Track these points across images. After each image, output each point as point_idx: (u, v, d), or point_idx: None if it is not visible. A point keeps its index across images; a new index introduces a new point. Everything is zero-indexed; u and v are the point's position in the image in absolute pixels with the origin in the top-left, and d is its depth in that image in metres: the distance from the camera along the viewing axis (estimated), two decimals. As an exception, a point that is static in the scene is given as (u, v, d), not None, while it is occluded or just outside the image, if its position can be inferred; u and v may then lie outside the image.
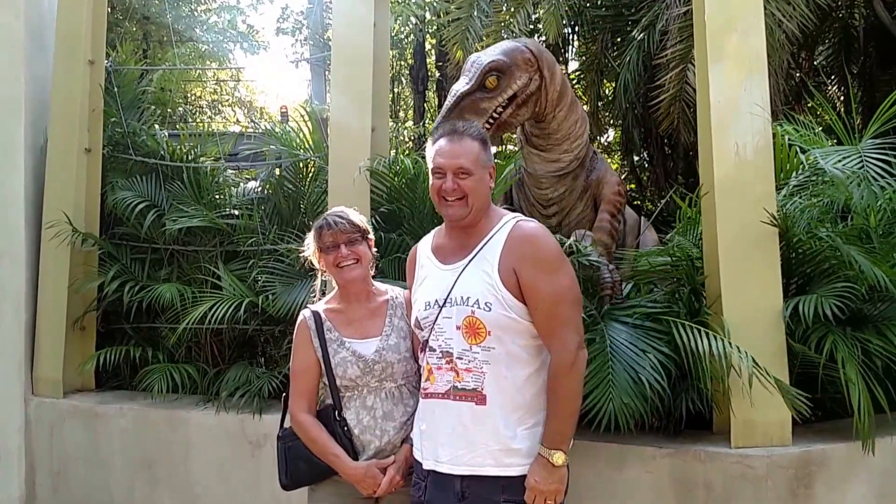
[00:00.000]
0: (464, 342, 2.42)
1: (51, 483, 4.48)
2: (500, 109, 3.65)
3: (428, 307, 2.53)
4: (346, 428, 2.67)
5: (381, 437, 2.66)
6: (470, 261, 2.48)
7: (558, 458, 2.36)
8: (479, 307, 2.40)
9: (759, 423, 3.21)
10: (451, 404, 2.43)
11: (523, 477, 2.39)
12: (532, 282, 2.38)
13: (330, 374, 2.70)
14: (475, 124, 2.65)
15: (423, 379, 2.56)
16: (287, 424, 2.84)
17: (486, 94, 3.61)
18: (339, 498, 2.70)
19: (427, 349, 2.52)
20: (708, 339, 3.09)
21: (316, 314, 2.77)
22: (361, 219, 2.83)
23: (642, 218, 4.43)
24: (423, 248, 2.71)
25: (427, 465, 2.50)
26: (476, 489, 2.40)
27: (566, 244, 3.33)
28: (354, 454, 2.65)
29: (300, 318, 2.81)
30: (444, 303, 2.47)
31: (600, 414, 3.02)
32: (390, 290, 2.88)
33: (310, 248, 2.82)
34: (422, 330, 2.56)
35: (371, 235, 2.85)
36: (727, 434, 3.25)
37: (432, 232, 2.77)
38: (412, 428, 2.68)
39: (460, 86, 3.65)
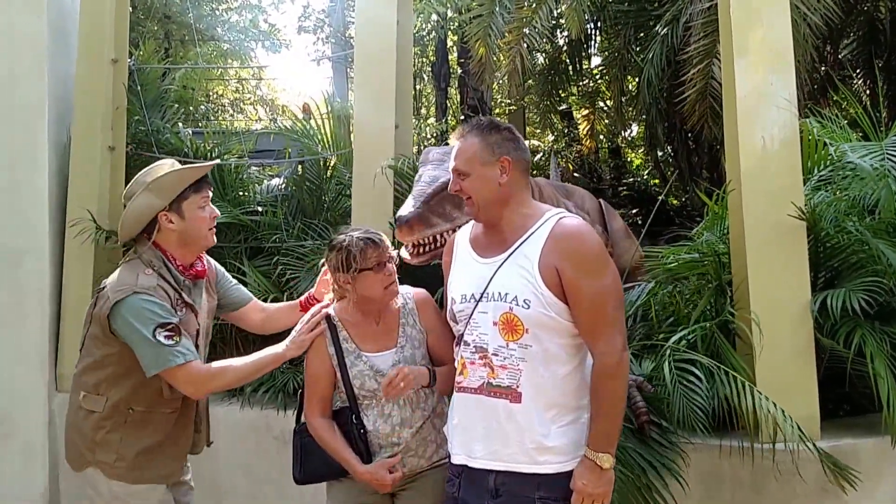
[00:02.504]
0: (500, 338, 2.41)
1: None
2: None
3: (464, 300, 2.51)
4: (362, 431, 2.69)
5: (397, 443, 2.69)
6: (508, 256, 2.45)
7: (606, 460, 2.35)
8: (517, 304, 2.38)
9: (787, 417, 3.19)
10: (485, 400, 2.43)
11: (558, 475, 2.38)
12: (575, 281, 2.35)
13: (347, 382, 2.72)
14: (488, 119, 2.60)
15: (456, 373, 2.55)
16: (304, 419, 2.87)
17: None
18: (358, 492, 2.74)
19: (461, 343, 2.52)
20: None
21: (329, 320, 2.78)
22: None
23: (602, 202, 4.28)
24: (461, 237, 2.68)
25: (459, 460, 2.50)
26: (510, 486, 2.40)
27: None
28: (369, 457, 2.68)
29: (319, 325, 2.80)
30: (481, 297, 2.45)
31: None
32: (400, 297, 2.84)
33: (344, 266, 2.69)
34: (456, 323, 2.55)
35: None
36: (754, 429, 3.24)
37: (471, 223, 2.71)
38: (426, 431, 2.73)
39: (439, 173, 3.25)
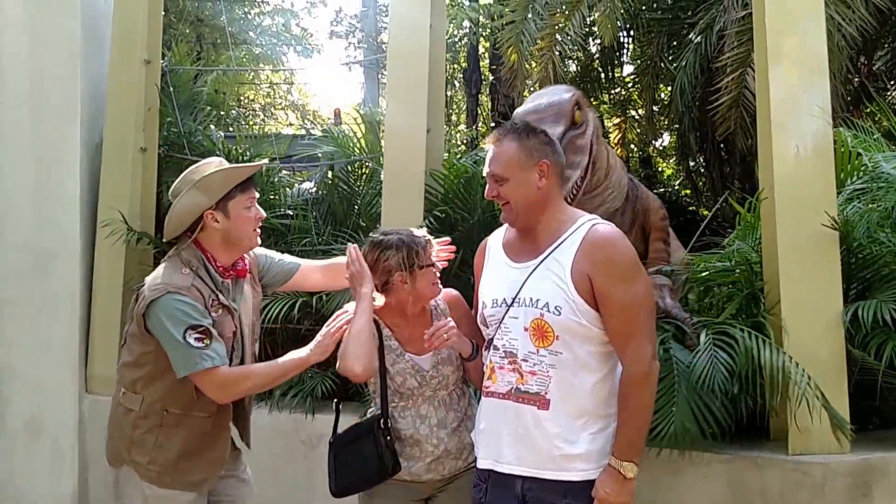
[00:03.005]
0: (530, 344, 2.43)
1: (104, 480, 4.59)
2: (591, 142, 3.50)
3: (495, 305, 2.55)
4: (388, 438, 2.71)
5: (437, 445, 2.72)
6: (541, 262, 2.47)
7: (630, 469, 2.37)
8: (548, 310, 2.40)
9: (817, 429, 3.26)
10: (513, 406, 2.46)
11: (585, 482, 2.41)
12: (607, 289, 2.37)
13: (384, 379, 2.75)
14: (523, 123, 2.61)
15: (484, 377, 2.59)
16: (339, 431, 2.89)
17: (577, 130, 3.45)
18: (392, 501, 2.78)
19: (491, 347, 2.55)
20: (770, 350, 3.16)
21: (377, 324, 2.80)
22: None
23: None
24: (494, 242, 2.72)
25: (485, 465, 2.53)
26: (537, 492, 2.43)
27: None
28: (397, 465, 2.69)
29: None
30: (512, 302, 2.48)
31: (661, 433, 3.12)
32: None
33: (403, 263, 2.71)
34: (487, 327, 2.59)
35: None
36: (784, 440, 3.33)
37: (505, 225, 2.74)
38: (462, 430, 2.76)
39: (553, 129, 3.27)
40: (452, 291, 2.94)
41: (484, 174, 2.59)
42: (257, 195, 2.91)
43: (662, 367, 3.11)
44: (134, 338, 2.79)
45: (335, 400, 3.02)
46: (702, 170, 7.63)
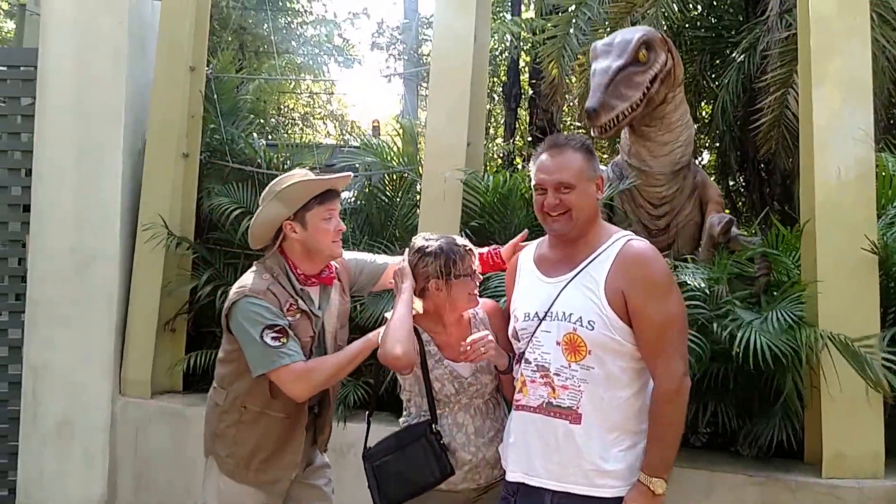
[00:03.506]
0: (562, 358, 2.48)
1: (133, 483, 4.75)
2: (650, 83, 3.79)
3: (527, 318, 2.60)
4: (442, 442, 2.75)
5: (475, 453, 2.78)
6: (574, 276, 2.53)
7: (659, 486, 2.41)
8: (581, 325, 2.45)
9: (851, 454, 3.31)
10: (545, 419, 2.50)
11: (615, 499, 2.44)
12: (641, 305, 2.42)
13: (428, 384, 2.81)
14: (578, 136, 2.72)
15: (515, 390, 2.63)
16: (371, 444, 2.94)
17: (639, 67, 3.78)
18: None
19: (522, 361, 2.60)
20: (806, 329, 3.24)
21: (416, 330, 2.85)
22: None
23: None
24: (525, 257, 2.78)
25: (515, 478, 2.57)
26: None
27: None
28: (452, 469, 2.73)
29: None
30: (545, 316, 2.53)
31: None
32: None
33: (442, 270, 2.80)
34: (518, 341, 2.64)
35: None
36: (818, 464, 3.36)
37: (535, 241, 2.85)
38: (499, 440, 2.79)
39: (610, 62, 3.80)
40: (492, 301, 3.01)
41: (536, 183, 2.62)
42: (338, 207, 3.02)
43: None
44: (224, 336, 2.98)
45: (367, 413, 3.11)
46: (742, 189, 7.63)
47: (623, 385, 2.49)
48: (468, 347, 2.66)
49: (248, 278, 2.93)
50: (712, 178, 5.48)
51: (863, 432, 3.32)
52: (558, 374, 2.49)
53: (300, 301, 2.93)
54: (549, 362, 2.51)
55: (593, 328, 2.45)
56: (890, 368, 3.29)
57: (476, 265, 2.86)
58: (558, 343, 2.50)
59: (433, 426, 2.79)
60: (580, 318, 2.47)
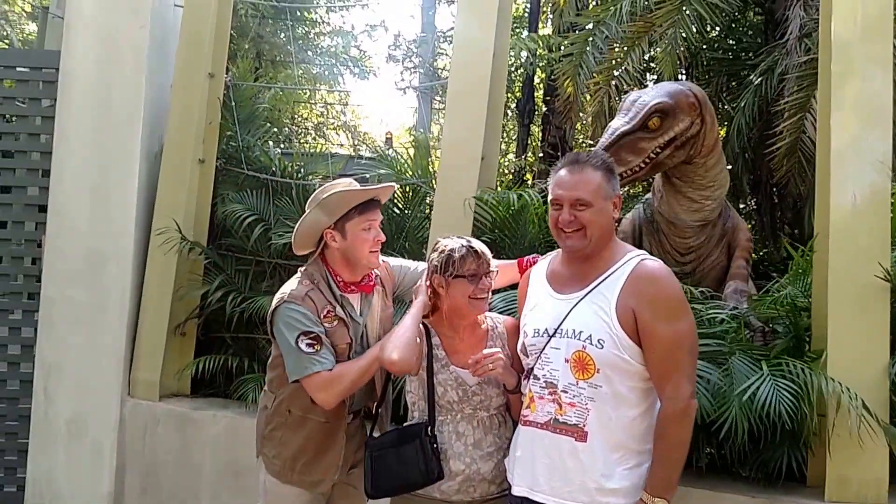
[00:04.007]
0: (570, 376, 2.46)
1: (139, 483, 4.75)
2: (658, 150, 3.76)
3: (537, 335, 2.58)
4: (435, 446, 2.74)
5: (469, 465, 2.73)
6: (586, 294, 2.51)
7: None
8: (590, 343, 2.43)
9: (855, 479, 3.28)
10: (551, 436, 2.49)
11: None
12: (651, 325, 2.40)
13: (431, 389, 2.79)
14: (600, 153, 2.71)
15: (523, 406, 2.62)
16: (376, 434, 3.00)
17: (646, 133, 3.73)
18: None
19: (531, 377, 2.58)
20: (818, 377, 3.20)
21: (425, 325, 2.87)
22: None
23: None
24: (537, 273, 2.76)
25: (520, 492, 2.55)
26: None
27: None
28: (442, 472, 2.72)
29: None
30: (554, 333, 2.52)
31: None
32: (489, 318, 2.94)
33: (442, 267, 2.79)
34: (527, 357, 2.63)
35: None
36: (821, 488, 3.32)
37: (548, 257, 2.82)
38: (499, 457, 2.76)
39: (619, 124, 3.78)
40: (513, 320, 2.96)
41: (553, 198, 2.60)
42: (379, 218, 3.05)
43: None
44: (272, 341, 3.02)
45: (375, 405, 3.12)
46: (753, 213, 7.59)
47: (631, 404, 2.47)
48: (477, 362, 2.64)
49: (290, 284, 2.99)
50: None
51: (867, 458, 3.27)
52: (566, 392, 2.48)
53: (338, 308, 2.97)
54: (558, 379, 2.50)
55: (603, 347, 2.43)
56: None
57: (484, 269, 2.79)
58: (567, 360, 2.48)
59: (429, 429, 2.78)
60: (590, 336, 2.45)
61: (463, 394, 2.78)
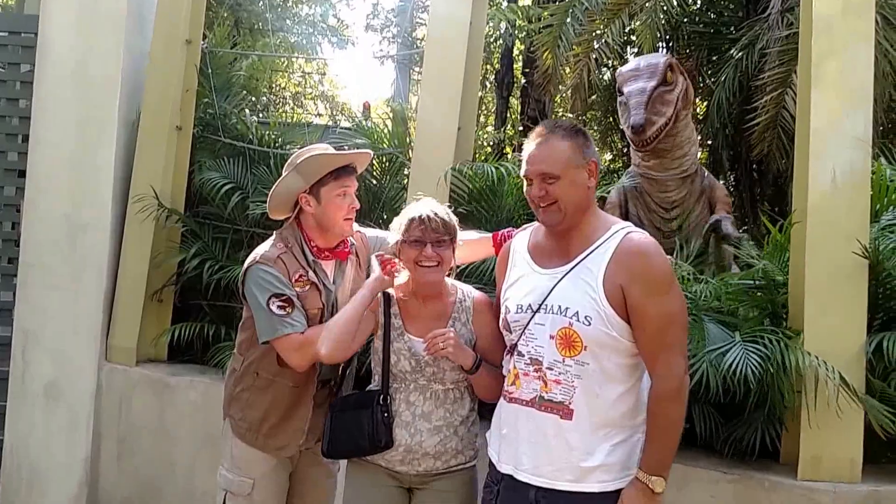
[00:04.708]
0: (556, 353, 2.37)
1: (116, 449, 4.70)
2: (677, 101, 4.05)
3: (520, 311, 2.47)
4: (385, 415, 2.69)
5: (413, 435, 2.67)
6: (571, 268, 2.40)
7: (659, 484, 2.31)
8: (577, 319, 2.33)
9: (828, 457, 3.23)
10: (536, 414, 2.40)
11: (603, 493, 2.34)
12: (641, 302, 2.30)
13: (386, 357, 2.73)
14: (567, 122, 2.59)
15: (507, 382, 2.53)
16: (343, 394, 2.96)
17: (667, 87, 4.03)
18: (377, 478, 2.75)
19: (515, 353, 2.49)
20: (795, 351, 3.14)
21: (386, 292, 2.80)
22: (453, 220, 2.75)
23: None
24: (519, 245, 2.63)
25: (505, 470, 2.47)
26: (550, 501, 2.36)
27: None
28: (390, 442, 2.68)
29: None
30: (538, 308, 2.41)
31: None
32: (459, 291, 2.83)
33: (395, 233, 2.74)
34: (510, 333, 2.52)
35: (459, 240, 2.76)
36: (794, 466, 3.27)
37: (529, 228, 2.69)
38: (447, 433, 2.69)
39: (643, 83, 4.02)
40: (485, 297, 2.85)
41: (523, 174, 2.50)
42: (355, 185, 2.99)
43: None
44: (244, 303, 2.98)
45: (342, 368, 3.07)
46: (732, 189, 7.52)
47: (618, 381, 2.37)
48: (430, 342, 2.60)
49: (263, 246, 2.94)
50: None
51: (841, 437, 3.22)
52: (551, 369, 2.38)
53: (310, 273, 2.92)
54: (542, 356, 2.40)
55: (590, 324, 2.32)
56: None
57: (431, 237, 2.66)
58: (552, 337, 2.38)
59: (381, 397, 2.72)
60: (576, 312, 2.34)
61: (416, 364, 2.69)
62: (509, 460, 2.48)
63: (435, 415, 2.70)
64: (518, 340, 2.48)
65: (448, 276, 2.80)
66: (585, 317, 2.33)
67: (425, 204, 2.73)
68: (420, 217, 2.67)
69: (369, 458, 2.74)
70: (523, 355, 2.45)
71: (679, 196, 4.25)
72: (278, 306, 2.78)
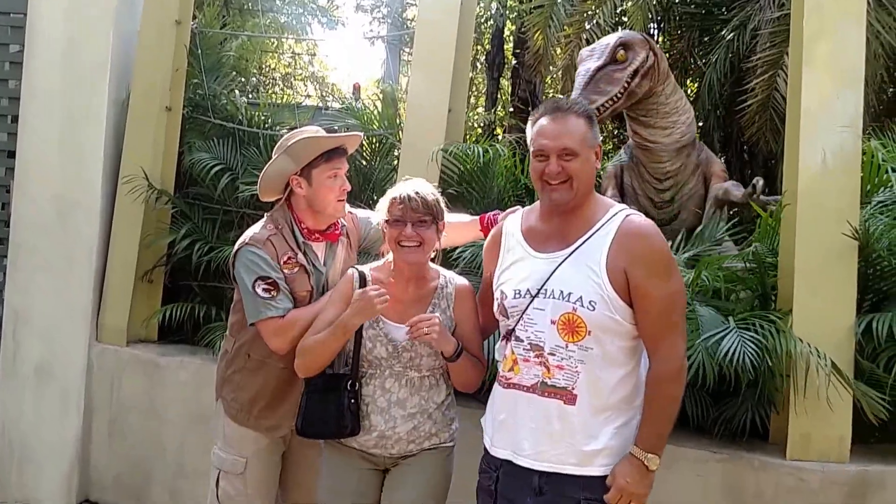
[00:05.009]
0: (558, 338, 2.33)
1: (106, 428, 4.67)
2: (629, 79, 4.08)
3: (518, 296, 2.41)
4: (353, 400, 2.64)
5: (387, 421, 2.63)
6: (571, 252, 2.36)
7: (654, 462, 2.30)
8: (581, 305, 2.29)
9: (817, 437, 3.22)
10: (538, 399, 2.36)
11: (603, 477, 2.33)
12: (644, 285, 2.28)
13: (358, 343, 2.66)
14: (580, 100, 2.55)
15: (503, 368, 2.48)
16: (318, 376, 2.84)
17: (617, 66, 4.08)
18: (351, 460, 2.72)
19: (512, 339, 2.44)
20: (787, 338, 3.12)
21: (362, 277, 2.72)
22: (438, 200, 2.69)
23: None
24: (511, 228, 2.57)
25: (503, 455, 2.44)
26: (555, 485, 2.34)
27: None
28: (357, 428, 2.64)
29: (347, 274, 2.79)
30: (537, 293, 2.36)
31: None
32: (442, 276, 2.77)
33: (380, 213, 2.71)
34: (507, 318, 2.46)
35: (444, 220, 2.71)
36: (783, 445, 3.27)
37: (520, 211, 2.64)
38: (421, 419, 2.65)
39: (589, 64, 4.12)
40: (467, 285, 2.80)
41: (537, 148, 2.40)
42: (346, 167, 2.99)
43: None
44: (236, 285, 2.97)
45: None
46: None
47: (619, 364, 2.35)
48: (413, 326, 2.54)
49: (254, 228, 2.95)
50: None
51: (830, 416, 3.21)
52: (553, 354, 2.34)
53: (300, 255, 2.92)
54: (543, 341, 2.35)
55: (594, 308, 2.28)
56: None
57: (412, 217, 2.60)
58: (553, 322, 2.33)
59: (348, 382, 2.67)
60: (580, 297, 2.30)
61: (392, 349, 2.64)
62: (506, 445, 2.44)
63: (410, 402, 2.66)
64: (515, 326, 2.42)
65: (433, 260, 2.77)
66: (590, 301, 2.29)
67: (410, 184, 2.69)
68: (401, 196, 2.63)
69: (343, 440, 2.71)
70: (522, 341, 2.40)
71: (673, 167, 4.30)
72: (263, 289, 2.78)
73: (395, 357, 2.64)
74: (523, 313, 2.39)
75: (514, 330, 2.43)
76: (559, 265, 2.36)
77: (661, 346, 2.32)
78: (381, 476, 2.75)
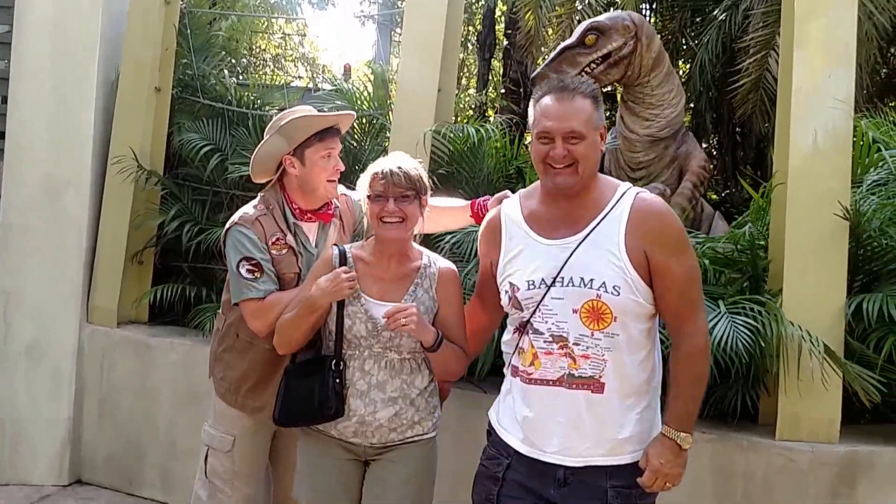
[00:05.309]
0: (582, 327, 2.21)
1: (97, 409, 4.65)
2: (593, 65, 4.12)
3: (532, 286, 2.28)
4: (337, 381, 2.54)
5: (367, 405, 2.53)
6: (586, 236, 2.25)
7: (687, 441, 2.24)
8: (605, 290, 2.18)
9: (806, 417, 3.21)
10: (565, 393, 2.25)
11: (631, 464, 2.26)
12: (665, 264, 2.21)
13: (340, 321, 2.56)
14: (587, 80, 2.41)
15: (521, 362, 2.34)
16: (298, 360, 2.74)
17: (584, 49, 4.13)
18: (329, 460, 2.63)
19: (530, 331, 2.30)
20: (778, 321, 3.09)
21: (343, 255, 2.62)
22: (421, 175, 2.60)
23: (717, 212, 4.66)
24: (511, 214, 2.43)
25: (522, 450, 2.33)
26: (580, 475, 2.26)
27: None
28: (342, 410, 2.54)
29: (326, 252, 2.71)
30: (553, 282, 2.24)
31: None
32: (426, 257, 2.68)
33: (361, 189, 2.61)
34: (521, 311, 2.32)
35: (427, 196, 2.62)
36: (772, 426, 3.25)
37: (516, 197, 2.51)
38: (402, 405, 2.55)
39: (564, 43, 4.21)
40: (452, 269, 2.71)
41: (541, 130, 2.27)
42: (339, 147, 2.95)
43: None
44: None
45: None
46: (714, 152, 7.42)
47: (640, 346, 2.28)
48: (390, 317, 2.44)
49: (246, 207, 2.92)
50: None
51: (820, 397, 3.19)
52: (578, 344, 2.23)
53: (289, 236, 2.88)
54: (567, 331, 2.23)
55: (619, 293, 2.19)
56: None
57: (394, 192, 2.52)
58: (575, 311, 2.22)
59: (332, 363, 2.57)
60: (604, 283, 2.19)
61: (372, 328, 2.53)
62: (533, 443, 2.32)
63: (390, 385, 2.55)
64: (532, 317, 2.30)
65: (416, 240, 2.71)
66: (614, 286, 2.19)
67: (392, 158, 2.61)
68: (383, 171, 2.53)
69: (322, 428, 2.61)
70: (542, 333, 2.28)
71: (646, 158, 4.33)
72: (247, 270, 2.76)
73: (375, 336, 2.54)
74: (539, 304, 2.28)
75: (529, 321, 2.31)
76: (573, 251, 2.25)
77: (686, 324, 2.26)
78: (361, 468, 2.65)
